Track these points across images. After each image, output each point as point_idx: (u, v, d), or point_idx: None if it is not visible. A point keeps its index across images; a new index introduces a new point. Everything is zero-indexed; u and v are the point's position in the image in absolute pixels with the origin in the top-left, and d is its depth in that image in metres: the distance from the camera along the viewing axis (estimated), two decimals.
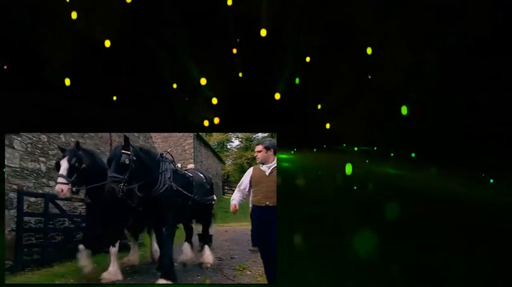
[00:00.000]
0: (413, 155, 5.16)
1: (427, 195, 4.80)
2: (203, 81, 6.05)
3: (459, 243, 4.41)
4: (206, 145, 19.93)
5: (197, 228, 6.93)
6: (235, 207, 4.43)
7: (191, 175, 5.75)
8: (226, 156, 27.63)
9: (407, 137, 5.28)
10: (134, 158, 4.60)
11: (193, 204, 5.55)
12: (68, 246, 5.63)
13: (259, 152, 4.42)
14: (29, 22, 5.53)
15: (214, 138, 28.40)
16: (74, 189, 4.74)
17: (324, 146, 5.38)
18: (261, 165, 4.39)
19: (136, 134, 10.62)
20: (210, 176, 6.84)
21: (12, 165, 5.74)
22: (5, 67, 5.77)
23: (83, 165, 4.84)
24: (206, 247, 6.12)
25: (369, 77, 5.69)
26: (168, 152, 5.39)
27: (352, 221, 4.79)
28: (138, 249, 7.20)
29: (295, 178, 5.31)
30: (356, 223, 4.75)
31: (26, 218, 5.66)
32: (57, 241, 6.14)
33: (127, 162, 4.53)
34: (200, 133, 17.61)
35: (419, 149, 5.20)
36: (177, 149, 17.69)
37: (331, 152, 5.48)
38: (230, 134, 27.56)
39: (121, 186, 4.45)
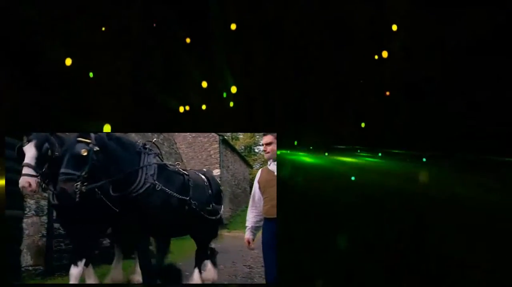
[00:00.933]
0: (424, 159, 5.08)
1: (427, 195, 4.80)
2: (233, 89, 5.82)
3: (459, 243, 4.42)
4: (233, 149, 19.68)
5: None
6: (249, 242, 3.63)
7: (186, 173, 4.77)
8: (254, 159, 27.06)
9: (407, 137, 5.28)
10: (97, 147, 3.67)
11: (190, 212, 4.52)
12: (94, 252, 5.60)
13: (269, 144, 3.56)
14: (30, 22, 5.52)
15: (241, 142, 28.18)
16: (44, 184, 3.82)
17: (326, 152, 5.36)
18: (269, 163, 3.64)
19: (160, 140, 10.54)
20: (218, 181, 5.71)
21: None
22: None
23: (56, 153, 3.88)
24: (207, 262, 5.17)
25: (361, 81, 5.64)
26: (153, 142, 4.48)
27: (352, 220, 4.79)
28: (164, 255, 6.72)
29: (296, 178, 5.30)
30: (357, 222, 4.75)
31: (55, 224, 5.72)
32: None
33: (84, 153, 3.57)
34: (225, 137, 17.48)
35: (419, 148, 5.20)
36: (202, 154, 17.50)
37: (332, 151, 5.47)
38: (258, 137, 27.23)
39: (78, 186, 3.50)
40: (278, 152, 3.59)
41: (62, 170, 3.52)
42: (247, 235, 3.64)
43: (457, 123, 5.10)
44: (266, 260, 3.47)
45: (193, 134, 17.40)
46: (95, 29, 5.72)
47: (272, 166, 3.59)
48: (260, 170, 3.79)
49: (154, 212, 4.06)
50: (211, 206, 5.02)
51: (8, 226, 4.78)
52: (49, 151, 3.84)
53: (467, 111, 5.11)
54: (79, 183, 3.52)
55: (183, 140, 17.49)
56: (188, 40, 5.85)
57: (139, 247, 4.21)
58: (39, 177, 3.73)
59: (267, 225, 3.53)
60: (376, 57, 5.48)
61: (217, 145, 17.52)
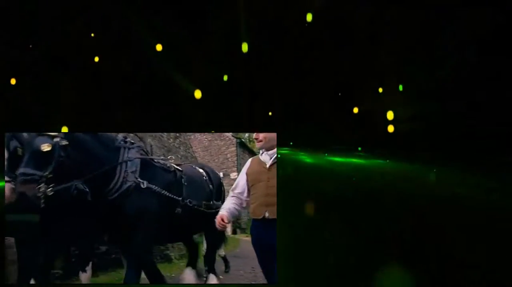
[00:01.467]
0: (434, 170, 5.01)
1: (427, 195, 4.81)
2: (197, 94, 5.72)
3: (459, 243, 4.42)
4: (251, 151, 19.52)
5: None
6: (222, 220, 2.95)
7: (179, 168, 4.16)
8: None
9: (408, 137, 5.28)
10: (65, 141, 3.11)
11: (186, 213, 3.94)
12: (111, 256, 5.57)
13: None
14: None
15: None
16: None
17: (326, 152, 5.35)
18: (261, 152, 3.10)
19: (176, 144, 10.53)
20: (220, 174, 5.11)
21: None
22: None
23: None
24: (212, 276, 4.64)
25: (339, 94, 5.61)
26: (136, 134, 4.03)
27: (352, 221, 4.79)
28: (180, 261, 6.54)
29: (295, 177, 5.30)
30: (357, 223, 4.75)
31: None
32: (100, 251, 6.20)
33: (47, 148, 3.00)
34: (243, 140, 17.28)
35: (418, 149, 5.20)
36: (219, 158, 17.30)
37: (332, 152, 5.47)
38: None
39: (41, 188, 2.95)
40: (278, 155, 3.37)
41: (21, 170, 2.96)
42: (222, 211, 3.03)
43: (457, 123, 5.11)
44: (263, 266, 3.07)
45: (209, 137, 17.34)
46: (96, 29, 5.73)
47: (264, 156, 3.02)
48: (250, 159, 3.18)
49: (138, 217, 3.46)
50: (212, 202, 4.45)
51: (25, 230, 4.72)
52: (19, 150, 3.25)
53: (467, 111, 5.11)
54: (42, 185, 2.95)
55: (199, 144, 17.40)
56: (195, 95, 5.81)
57: (129, 256, 3.70)
58: (12, 182, 3.13)
59: (254, 227, 3.00)
60: (381, 90, 5.48)
61: (234, 148, 17.29)
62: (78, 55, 5.77)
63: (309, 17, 5.58)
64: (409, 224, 4.64)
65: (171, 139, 9.95)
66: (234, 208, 3.07)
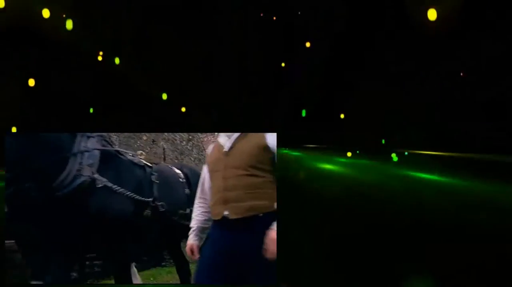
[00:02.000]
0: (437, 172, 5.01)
1: (427, 195, 4.81)
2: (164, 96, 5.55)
3: (459, 243, 4.42)
4: None
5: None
6: (192, 250, 2.36)
7: (149, 165, 3.54)
8: None
9: (408, 137, 5.28)
10: None
11: (158, 219, 3.33)
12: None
13: None
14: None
15: None
16: None
17: (326, 152, 5.35)
18: (221, 134, 2.37)
19: (189, 147, 10.56)
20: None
21: None
22: None
23: None
24: None
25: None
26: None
27: (352, 221, 4.80)
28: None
29: (295, 178, 5.30)
30: (356, 224, 4.76)
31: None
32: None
33: None
34: None
35: (419, 148, 5.20)
36: None
37: (332, 152, 5.47)
38: None
39: None
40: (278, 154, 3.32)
41: None
42: (191, 239, 2.40)
43: (457, 123, 5.10)
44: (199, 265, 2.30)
45: None
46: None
47: (222, 137, 2.31)
48: (212, 145, 2.47)
49: (96, 218, 2.90)
50: (187, 210, 3.60)
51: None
52: None
53: (467, 111, 5.11)
54: None
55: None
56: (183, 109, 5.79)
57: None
58: None
59: (213, 231, 2.29)
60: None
61: None
62: (79, 55, 5.77)
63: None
64: (410, 224, 4.65)
65: (184, 142, 9.98)
66: (205, 220, 2.41)
